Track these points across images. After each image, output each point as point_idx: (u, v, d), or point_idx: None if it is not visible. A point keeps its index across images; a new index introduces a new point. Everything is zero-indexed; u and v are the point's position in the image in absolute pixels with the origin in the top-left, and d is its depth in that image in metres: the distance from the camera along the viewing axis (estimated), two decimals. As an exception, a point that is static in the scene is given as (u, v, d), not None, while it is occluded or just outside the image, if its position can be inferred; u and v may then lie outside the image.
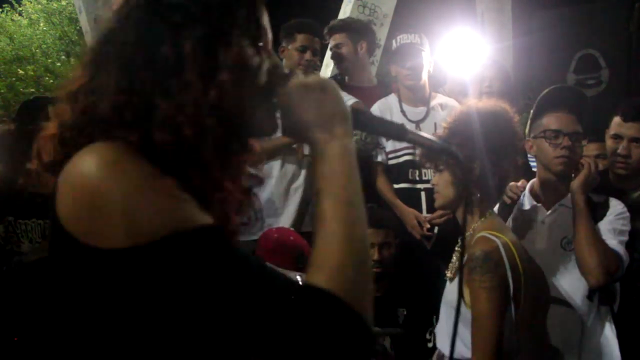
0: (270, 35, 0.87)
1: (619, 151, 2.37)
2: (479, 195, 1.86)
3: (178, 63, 0.77)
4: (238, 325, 0.69)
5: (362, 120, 0.90)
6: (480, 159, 1.81)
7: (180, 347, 0.75)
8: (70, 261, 0.75)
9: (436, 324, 2.85)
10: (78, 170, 0.74)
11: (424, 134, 0.97)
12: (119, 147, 0.75)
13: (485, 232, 1.80)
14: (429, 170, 3.07)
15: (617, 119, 2.40)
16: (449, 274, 1.93)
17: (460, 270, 1.80)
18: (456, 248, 1.93)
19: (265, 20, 0.87)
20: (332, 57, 3.42)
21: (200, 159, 0.78)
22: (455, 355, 1.77)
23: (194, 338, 0.74)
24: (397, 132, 0.93)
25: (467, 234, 1.86)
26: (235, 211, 0.87)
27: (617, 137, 2.39)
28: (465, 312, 1.74)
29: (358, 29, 3.48)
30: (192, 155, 0.77)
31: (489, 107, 1.92)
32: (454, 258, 1.95)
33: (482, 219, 1.85)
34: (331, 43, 3.42)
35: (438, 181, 1.92)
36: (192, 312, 0.70)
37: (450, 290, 1.90)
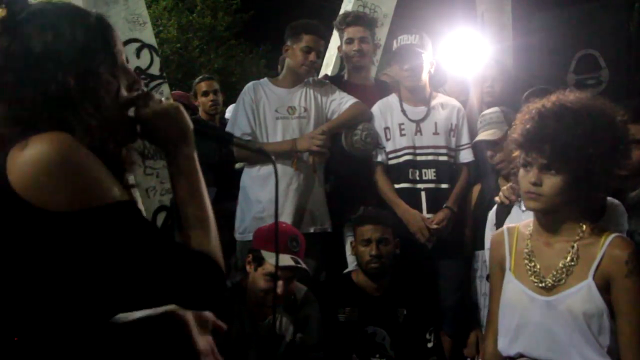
0: (123, 56, 1.18)
1: None
2: (584, 201, 1.70)
3: (68, 93, 1.07)
4: (144, 268, 1.03)
5: (197, 128, 1.24)
6: (602, 168, 1.63)
7: (96, 283, 1.03)
8: (21, 219, 0.98)
9: (437, 324, 2.87)
10: (39, 150, 0.98)
11: (244, 141, 1.37)
12: (64, 135, 1.02)
13: (617, 233, 1.70)
14: (429, 170, 3.07)
15: None
16: (544, 285, 1.69)
17: (593, 275, 1.62)
18: (571, 250, 1.68)
19: (120, 45, 1.18)
20: (357, 51, 3.29)
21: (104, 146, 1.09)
22: None
23: (109, 276, 1.03)
24: (223, 136, 1.37)
25: (575, 237, 1.69)
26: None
27: None
28: (602, 319, 1.61)
29: (374, 25, 3.48)
30: (99, 143, 1.08)
31: (583, 101, 1.68)
32: (565, 261, 1.68)
33: (586, 223, 1.71)
34: (350, 35, 3.31)
35: (544, 182, 1.65)
36: (106, 259, 1.01)
37: (567, 299, 1.64)
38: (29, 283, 1.01)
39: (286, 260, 2.37)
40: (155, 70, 3.47)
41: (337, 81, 3.40)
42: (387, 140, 3.13)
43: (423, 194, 3.05)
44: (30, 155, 0.98)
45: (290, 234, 2.51)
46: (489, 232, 2.54)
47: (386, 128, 3.13)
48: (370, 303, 2.72)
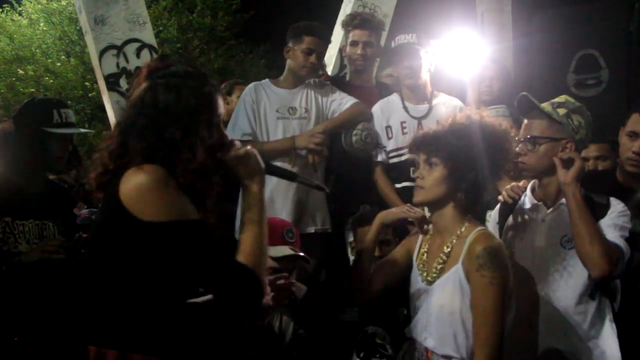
0: (221, 118, 1.59)
1: (633, 149, 2.33)
2: (464, 199, 1.87)
3: (175, 142, 1.49)
4: (205, 272, 1.47)
5: (267, 168, 1.66)
6: (476, 167, 1.84)
7: (172, 277, 1.48)
8: (126, 226, 1.44)
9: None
10: (140, 177, 1.44)
11: (307, 178, 1.86)
12: (159, 168, 1.46)
13: (482, 228, 1.85)
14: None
15: (635, 116, 2.36)
16: (428, 278, 1.90)
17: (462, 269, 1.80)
18: (446, 249, 1.87)
19: (221, 110, 1.59)
20: (360, 55, 3.32)
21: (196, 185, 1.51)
22: (451, 353, 1.80)
23: (180, 274, 1.47)
24: (288, 174, 1.96)
25: (453, 236, 1.86)
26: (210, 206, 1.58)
27: (633, 134, 2.35)
28: (462, 310, 1.77)
29: (381, 29, 3.48)
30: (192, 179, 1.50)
31: (485, 121, 1.94)
32: (439, 259, 1.88)
33: (467, 223, 1.87)
34: (356, 38, 3.32)
35: (426, 176, 1.88)
36: (177, 260, 1.45)
37: (441, 293, 1.85)
38: (124, 268, 1.46)
39: (285, 250, 2.37)
40: (155, 70, 3.47)
41: (338, 82, 3.40)
42: (389, 139, 3.13)
43: (424, 193, 3.04)
44: (134, 179, 1.44)
45: (285, 225, 2.52)
46: (491, 230, 2.54)
47: (388, 127, 3.14)
48: (370, 303, 2.72)
